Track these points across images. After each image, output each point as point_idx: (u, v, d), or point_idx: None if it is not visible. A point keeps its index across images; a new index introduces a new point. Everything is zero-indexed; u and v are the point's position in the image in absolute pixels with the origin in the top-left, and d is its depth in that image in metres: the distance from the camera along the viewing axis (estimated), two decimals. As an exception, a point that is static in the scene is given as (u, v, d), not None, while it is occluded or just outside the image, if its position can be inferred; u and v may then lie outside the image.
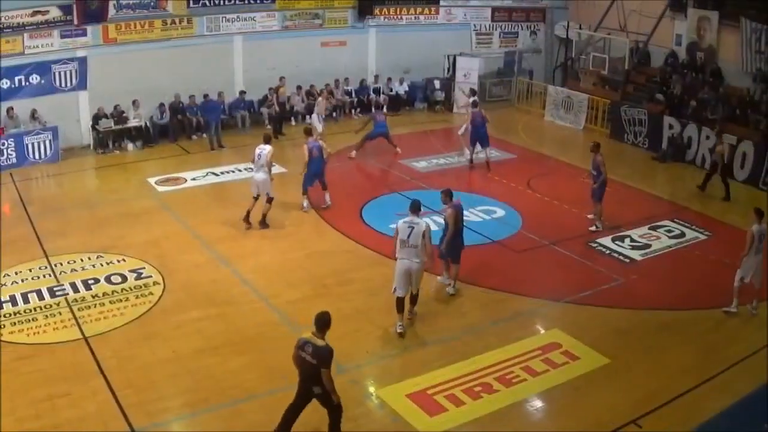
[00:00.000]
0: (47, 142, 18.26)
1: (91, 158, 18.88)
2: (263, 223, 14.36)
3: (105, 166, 18.40)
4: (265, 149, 14.07)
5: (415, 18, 24.40)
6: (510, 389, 9.61)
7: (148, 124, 19.71)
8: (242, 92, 21.02)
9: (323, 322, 7.89)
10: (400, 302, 10.71)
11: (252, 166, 14.51)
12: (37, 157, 18.18)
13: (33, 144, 18.09)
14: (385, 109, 19.53)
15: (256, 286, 12.22)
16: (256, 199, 14.33)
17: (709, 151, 18.26)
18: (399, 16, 24.11)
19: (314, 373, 7.81)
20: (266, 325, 11.09)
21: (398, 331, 10.79)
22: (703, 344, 10.86)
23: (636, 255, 13.67)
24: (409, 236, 10.40)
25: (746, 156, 17.88)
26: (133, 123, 19.41)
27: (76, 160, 18.55)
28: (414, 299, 11.02)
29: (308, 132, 15.25)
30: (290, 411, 8.14)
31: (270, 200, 14.30)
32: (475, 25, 25.79)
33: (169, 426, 8.84)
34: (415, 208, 10.68)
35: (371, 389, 9.68)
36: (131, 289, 11.95)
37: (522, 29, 26.88)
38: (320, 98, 20.50)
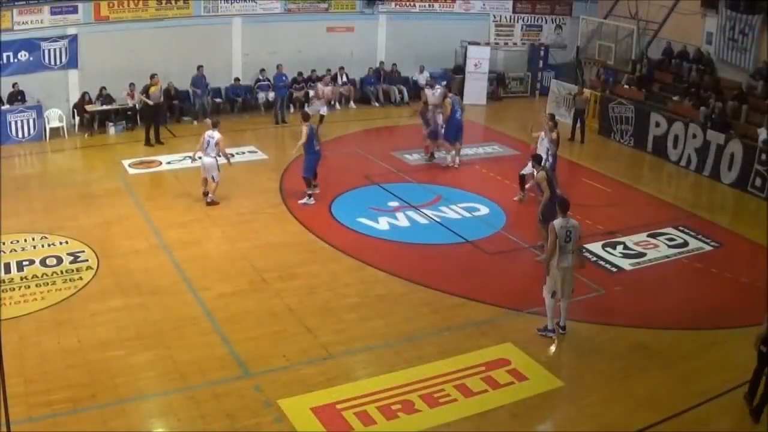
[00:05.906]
0: (31, 121, 17.70)
1: (74, 139, 18.17)
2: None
3: (85, 146, 17.73)
4: (214, 137, 13.88)
5: (429, 6, 23.03)
6: (434, 410, 8.27)
7: (137, 106, 18.91)
8: (237, 79, 20.08)
9: None
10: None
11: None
12: (20, 135, 17.63)
13: (17, 122, 17.53)
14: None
15: (190, 276, 11.22)
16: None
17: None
18: (412, 4, 22.81)
19: None
20: (185, 320, 10.03)
21: None
22: (680, 372, 9.26)
23: (626, 264, 12.06)
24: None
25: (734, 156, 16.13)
26: (124, 104, 18.72)
27: (59, 140, 17.88)
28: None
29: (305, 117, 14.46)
30: (755, 374, 8.43)
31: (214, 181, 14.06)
32: (494, 16, 24.25)
33: (43, 422, 7.96)
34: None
35: (274, 398, 8.43)
36: (61, 273, 11.27)
37: (546, 22, 25.09)
38: None
